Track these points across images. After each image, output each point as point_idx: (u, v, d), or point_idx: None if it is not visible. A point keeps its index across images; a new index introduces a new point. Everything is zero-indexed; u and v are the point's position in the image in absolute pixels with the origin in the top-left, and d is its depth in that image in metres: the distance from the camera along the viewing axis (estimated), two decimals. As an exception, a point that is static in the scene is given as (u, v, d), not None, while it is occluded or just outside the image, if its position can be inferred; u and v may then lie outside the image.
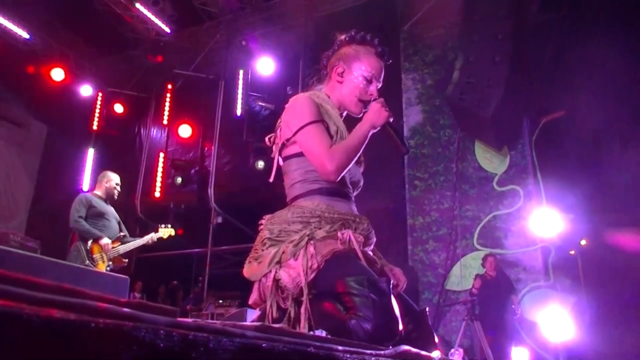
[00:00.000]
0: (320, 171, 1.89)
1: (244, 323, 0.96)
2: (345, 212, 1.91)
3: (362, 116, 2.06)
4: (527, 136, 8.00)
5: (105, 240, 5.12)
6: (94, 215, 5.25)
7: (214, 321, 0.92)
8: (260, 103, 9.41)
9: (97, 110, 10.87)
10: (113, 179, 5.52)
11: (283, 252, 1.78)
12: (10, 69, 9.78)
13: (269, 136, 2.12)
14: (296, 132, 1.93)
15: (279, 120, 2.08)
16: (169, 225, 5.93)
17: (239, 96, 9.71)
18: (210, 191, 9.23)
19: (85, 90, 10.64)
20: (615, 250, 8.59)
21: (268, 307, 1.77)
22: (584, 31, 8.00)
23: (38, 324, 0.47)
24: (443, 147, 8.51)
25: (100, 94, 10.91)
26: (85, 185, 10.46)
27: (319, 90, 2.18)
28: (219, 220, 9.27)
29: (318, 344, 0.90)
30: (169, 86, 10.74)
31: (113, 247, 5.18)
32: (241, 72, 9.80)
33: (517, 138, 8.08)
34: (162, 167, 10.31)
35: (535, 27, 8.33)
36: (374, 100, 2.06)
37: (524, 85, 8.11)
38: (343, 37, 2.16)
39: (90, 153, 10.71)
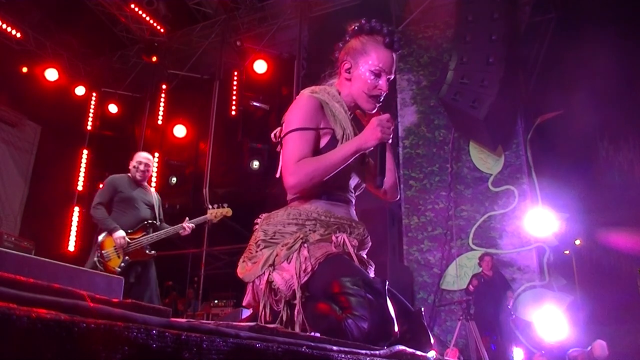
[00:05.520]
0: (284, 181, 1.86)
1: (238, 323, 0.96)
2: (342, 216, 1.90)
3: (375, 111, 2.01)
4: (522, 136, 8.01)
5: (119, 234, 4.48)
6: (121, 201, 4.67)
7: (208, 321, 0.91)
8: (254, 103, 9.38)
9: (91, 111, 10.82)
10: (134, 159, 4.87)
11: (277, 255, 1.77)
12: (3, 69, 9.74)
13: (274, 131, 2.06)
14: (284, 135, 1.90)
15: (284, 115, 2.03)
16: (225, 205, 5.05)
17: (234, 96, 9.70)
18: (205, 191, 9.21)
19: (79, 90, 10.59)
20: (610, 249, 8.63)
21: (261, 309, 1.76)
22: (577, 32, 8.05)
23: (28, 325, 0.47)
24: (438, 147, 8.52)
25: (94, 94, 10.87)
26: (80, 185, 10.42)
27: (330, 84, 2.11)
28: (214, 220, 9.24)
29: (312, 344, 0.89)
30: (164, 86, 10.71)
31: (133, 239, 4.56)
32: (236, 72, 9.78)
33: (512, 138, 8.09)
34: (157, 167, 10.28)
35: (529, 28, 8.37)
36: (378, 108, 2.00)
37: (517, 86, 8.13)
38: (352, 27, 2.08)
39: (85, 153, 10.67)
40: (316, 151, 1.89)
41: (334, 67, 2.14)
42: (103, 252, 4.50)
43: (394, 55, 2.04)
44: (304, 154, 1.83)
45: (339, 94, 2.04)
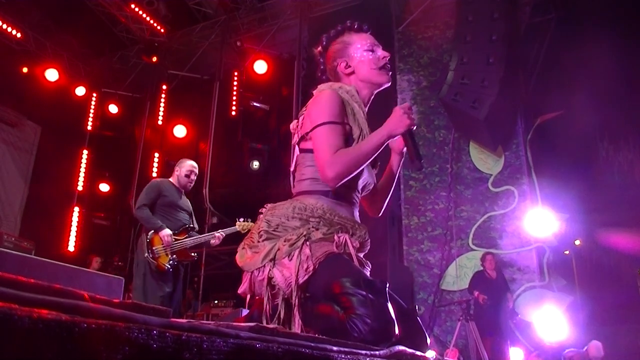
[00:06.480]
0: (321, 175, 1.87)
1: (238, 323, 0.96)
2: (346, 217, 1.91)
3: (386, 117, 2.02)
4: (522, 136, 8.02)
5: (166, 232, 4.60)
6: (165, 205, 4.78)
7: (208, 322, 0.91)
8: (254, 103, 9.38)
9: (92, 111, 10.82)
10: (184, 167, 4.94)
11: (278, 249, 1.78)
12: (3, 69, 9.73)
13: (292, 123, 2.09)
14: (312, 129, 1.92)
15: (303, 109, 2.06)
16: (249, 220, 5.05)
17: (234, 97, 9.70)
18: (205, 191, 9.20)
19: (80, 90, 10.59)
20: (610, 250, 8.63)
21: (265, 303, 1.76)
22: (577, 32, 8.05)
23: (30, 325, 0.47)
24: (438, 147, 8.52)
25: (94, 95, 10.87)
26: (80, 186, 10.42)
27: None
28: (214, 220, 9.24)
29: (312, 344, 0.90)
30: (164, 87, 10.71)
31: (177, 240, 4.68)
32: (236, 72, 9.78)
33: (512, 138, 8.10)
34: (157, 168, 10.27)
35: (529, 28, 8.37)
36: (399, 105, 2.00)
37: (518, 86, 8.13)
38: (320, 47, 2.19)
39: (85, 153, 10.67)
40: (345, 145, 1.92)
41: (333, 80, 2.16)
42: (154, 248, 4.60)
43: (369, 35, 2.16)
44: (338, 146, 1.86)
45: (357, 92, 2.07)
